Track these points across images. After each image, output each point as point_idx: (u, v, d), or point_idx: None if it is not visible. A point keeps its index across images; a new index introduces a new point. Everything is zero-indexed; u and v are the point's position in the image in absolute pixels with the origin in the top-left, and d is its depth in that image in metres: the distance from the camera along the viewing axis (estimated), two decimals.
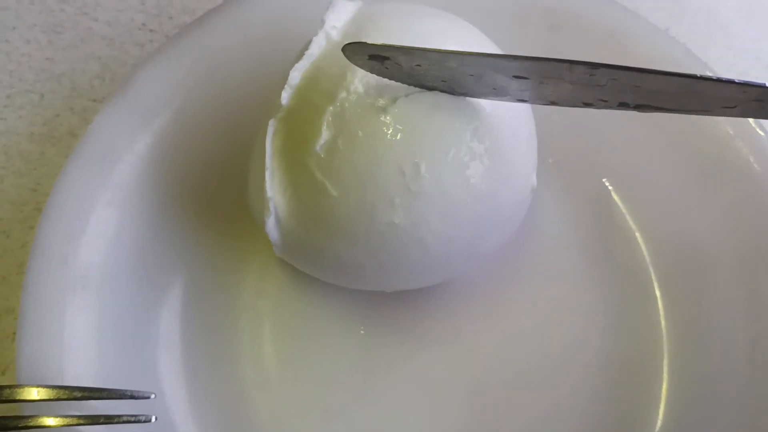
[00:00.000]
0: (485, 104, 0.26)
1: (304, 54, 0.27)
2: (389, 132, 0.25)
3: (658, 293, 0.32)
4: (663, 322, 0.31)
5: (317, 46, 0.27)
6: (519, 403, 0.31)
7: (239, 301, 0.31)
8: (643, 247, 0.32)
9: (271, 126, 0.26)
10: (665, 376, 0.31)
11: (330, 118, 0.25)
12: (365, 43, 0.24)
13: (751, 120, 0.32)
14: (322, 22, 0.27)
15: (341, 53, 0.25)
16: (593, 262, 0.33)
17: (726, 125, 0.32)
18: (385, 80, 0.26)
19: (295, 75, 0.26)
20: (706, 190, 0.32)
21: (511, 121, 0.27)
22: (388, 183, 0.25)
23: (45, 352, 0.27)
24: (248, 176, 0.28)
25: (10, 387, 0.26)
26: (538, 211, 0.33)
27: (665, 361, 0.31)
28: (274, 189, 0.26)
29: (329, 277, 0.29)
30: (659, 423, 0.30)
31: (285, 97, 0.26)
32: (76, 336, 0.28)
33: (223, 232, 0.31)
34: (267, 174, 0.26)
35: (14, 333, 0.31)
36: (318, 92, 0.26)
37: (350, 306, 0.31)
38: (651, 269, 0.32)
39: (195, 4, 0.36)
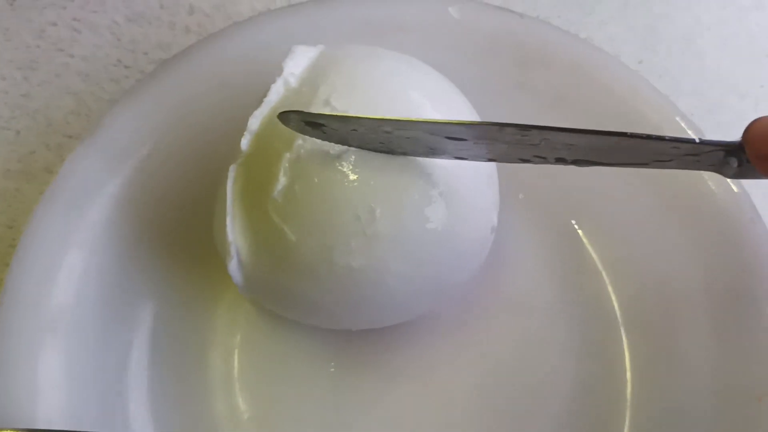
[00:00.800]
0: None
1: (263, 101, 0.27)
2: (344, 178, 0.26)
3: (622, 328, 0.32)
4: (627, 355, 0.32)
5: (276, 93, 0.27)
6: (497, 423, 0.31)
7: (210, 338, 0.32)
8: (608, 282, 0.33)
9: (232, 171, 0.27)
10: (628, 405, 0.31)
11: (287, 165, 0.26)
12: (300, 111, 0.25)
13: None
14: (281, 69, 0.28)
15: (298, 102, 0.26)
16: (560, 296, 0.33)
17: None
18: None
19: (254, 121, 0.27)
20: (673, 226, 0.32)
21: (467, 164, 0.28)
22: (345, 228, 0.26)
23: (17, 395, 0.28)
24: (213, 219, 0.29)
25: None
26: (506, 246, 0.33)
27: (629, 391, 0.31)
28: (235, 233, 0.27)
29: (295, 316, 0.30)
30: None
31: (244, 143, 0.27)
32: (47, 379, 0.28)
33: (194, 271, 0.32)
34: (228, 219, 0.27)
35: None
36: (276, 138, 0.26)
37: (321, 343, 0.32)
38: (616, 305, 0.32)
39: (170, 38, 0.36)
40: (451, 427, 0.31)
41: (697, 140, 0.25)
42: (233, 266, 0.27)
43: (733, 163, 0.25)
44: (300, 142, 0.26)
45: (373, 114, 0.26)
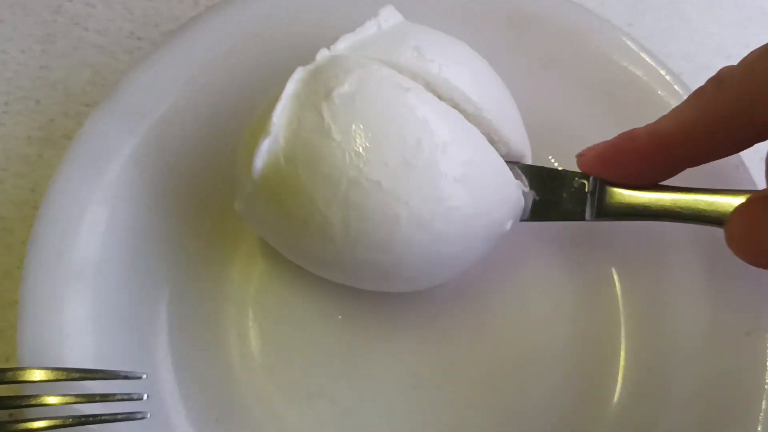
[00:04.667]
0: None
1: (355, 30, 0.30)
2: (404, 109, 0.27)
3: (615, 277, 0.34)
4: (620, 300, 0.33)
5: (368, 29, 0.30)
6: (490, 382, 0.33)
7: (225, 290, 0.33)
8: (601, 230, 0.34)
9: (298, 72, 0.29)
10: (623, 353, 0.33)
11: (356, 78, 0.27)
12: None
13: None
14: (377, 13, 0.30)
15: (389, 43, 0.29)
16: (557, 250, 0.35)
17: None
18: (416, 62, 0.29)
19: (343, 40, 0.29)
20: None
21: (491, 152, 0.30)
22: (389, 147, 0.27)
23: (45, 339, 0.29)
24: (252, 119, 0.30)
25: (13, 369, 0.28)
26: None
27: (622, 334, 0.33)
28: (281, 118, 0.28)
29: (289, 238, 0.30)
30: (616, 397, 0.32)
31: (321, 54, 0.29)
32: (73, 324, 0.30)
33: (210, 227, 0.33)
34: (279, 104, 0.28)
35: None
36: (350, 59, 0.28)
37: (329, 295, 0.33)
38: (608, 251, 0.34)
39: (180, 12, 0.38)
40: (450, 371, 0.33)
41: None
42: (264, 146, 0.28)
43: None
44: (376, 67, 0.28)
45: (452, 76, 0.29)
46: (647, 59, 0.35)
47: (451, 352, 0.33)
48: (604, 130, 0.35)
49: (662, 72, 0.34)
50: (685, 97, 0.33)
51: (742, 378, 0.30)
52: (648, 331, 0.33)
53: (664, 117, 0.29)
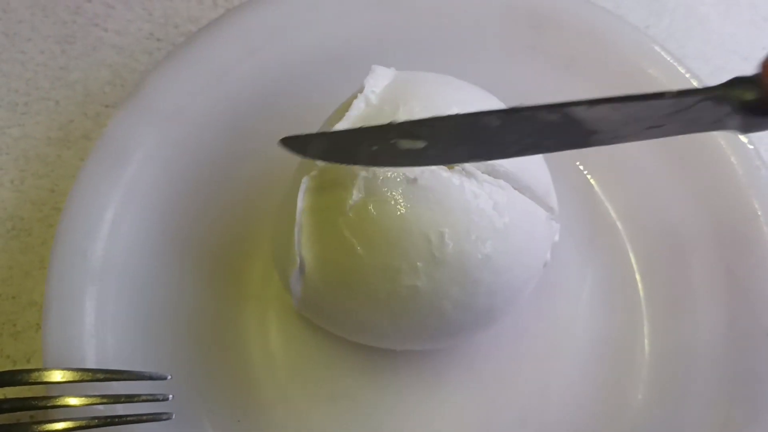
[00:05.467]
0: (504, 185, 0.28)
1: (344, 115, 0.28)
2: (418, 201, 0.27)
3: (638, 276, 0.34)
4: (643, 303, 0.33)
5: (357, 109, 0.28)
6: (512, 380, 0.33)
7: (246, 291, 0.33)
8: (622, 232, 0.34)
9: (305, 183, 0.28)
10: (646, 352, 0.33)
11: (362, 183, 0.27)
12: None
13: None
14: (362, 86, 0.29)
15: (378, 118, 0.28)
16: (578, 248, 0.35)
17: None
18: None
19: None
20: (683, 176, 0.34)
21: (527, 204, 0.29)
22: (414, 248, 0.26)
23: (68, 339, 0.29)
24: (275, 229, 0.30)
25: (38, 370, 0.28)
26: None
27: (646, 340, 0.33)
28: (302, 244, 0.28)
29: (346, 334, 0.31)
30: (639, 396, 0.32)
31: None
32: (96, 324, 0.30)
33: (230, 226, 0.33)
34: (296, 229, 0.27)
35: (38, 324, 0.33)
36: None
37: None
38: (631, 253, 0.34)
39: (199, 12, 0.38)
40: (474, 368, 0.33)
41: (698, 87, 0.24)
42: (295, 277, 0.28)
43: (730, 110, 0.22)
44: None
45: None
46: (668, 60, 0.35)
47: (474, 354, 0.33)
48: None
49: (684, 71, 0.34)
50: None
51: (763, 376, 0.30)
52: (670, 331, 0.33)
53: None
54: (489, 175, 0.28)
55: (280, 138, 0.26)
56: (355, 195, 0.27)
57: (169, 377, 0.29)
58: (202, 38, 0.34)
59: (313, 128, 0.30)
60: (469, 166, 0.27)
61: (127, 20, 0.38)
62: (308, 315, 0.31)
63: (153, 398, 0.28)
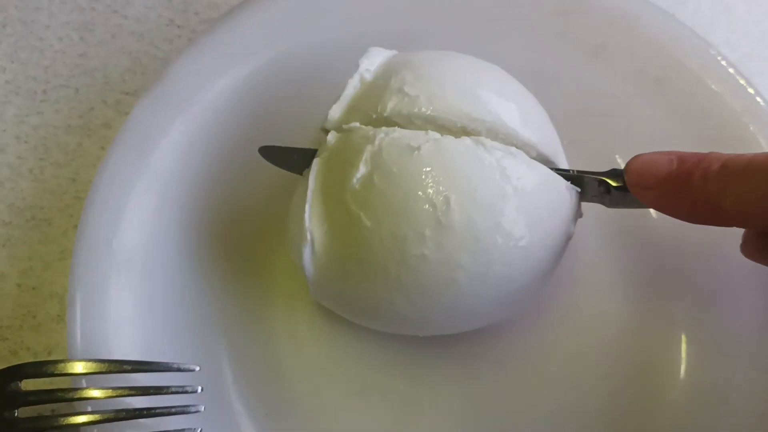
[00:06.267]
0: (515, 152, 0.27)
1: (340, 95, 0.29)
2: (421, 168, 0.26)
3: (673, 264, 0.33)
4: (679, 292, 0.32)
5: (351, 88, 0.29)
6: (545, 377, 0.32)
7: (275, 283, 0.32)
8: (656, 219, 0.34)
9: (315, 164, 0.28)
10: (683, 353, 0.32)
11: (368, 156, 0.27)
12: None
13: (758, 98, 0.33)
14: (357, 65, 0.29)
15: (370, 94, 0.28)
16: (609, 240, 0.34)
17: (733, 102, 0.34)
18: (419, 127, 0.27)
19: (334, 110, 0.28)
20: None
21: (543, 172, 0.28)
22: (419, 215, 0.26)
23: (93, 331, 0.29)
24: (291, 213, 0.29)
25: (62, 361, 0.27)
26: None
27: (683, 334, 0.32)
28: (312, 221, 0.27)
29: (363, 319, 0.30)
30: (675, 395, 0.31)
31: (330, 138, 0.28)
32: (121, 315, 0.29)
33: (256, 216, 0.33)
34: (307, 207, 0.27)
35: (59, 315, 0.32)
36: (356, 133, 0.27)
37: None
38: (666, 240, 0.33)
39: None
40: (503, 360, 0.32)
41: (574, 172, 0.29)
42: (307, 253, 0.28)
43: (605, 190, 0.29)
44: (382, 135, 0.27)
45: (443, 102, 0.27)
46: (701, 44, 0.34)
47: (503, 345, 0.32)
48: (654, 118, 0.35)
49: (716, 55, 0.34)
50: (739, 80, 0.33)
51: None
52: (708, 323, 0.32)
53: (731, 178, 0.26)
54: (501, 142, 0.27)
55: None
56: (362, 168, 0.27)
57: (198, 368, 0.28)
58: (225, 24, 0.33)
59: None
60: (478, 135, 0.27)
61: (146, 7, 0.37)
62: (323, 301, 0.30)
63: (182, 390, 0.27)
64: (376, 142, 0.27)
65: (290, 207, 0.30)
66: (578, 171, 0.29)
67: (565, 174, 0.29)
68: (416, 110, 0.27)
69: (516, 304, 0.30)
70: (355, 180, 0.27)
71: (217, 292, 0.31)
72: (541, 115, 0.30)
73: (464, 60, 0.30)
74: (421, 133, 0.27)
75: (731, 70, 0.33)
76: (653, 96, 0.35)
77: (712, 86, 0.34)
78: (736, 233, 0.32)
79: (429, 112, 0.27)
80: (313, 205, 0.27)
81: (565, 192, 0.29)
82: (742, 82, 0.33)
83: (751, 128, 0.33)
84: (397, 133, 0.27)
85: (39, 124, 0.35)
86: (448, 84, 0.28)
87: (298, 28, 0.34)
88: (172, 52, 0.36)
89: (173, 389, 0.27)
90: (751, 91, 0.33)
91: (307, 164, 0.29)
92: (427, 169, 0.26)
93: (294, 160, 0.30)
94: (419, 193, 0.26)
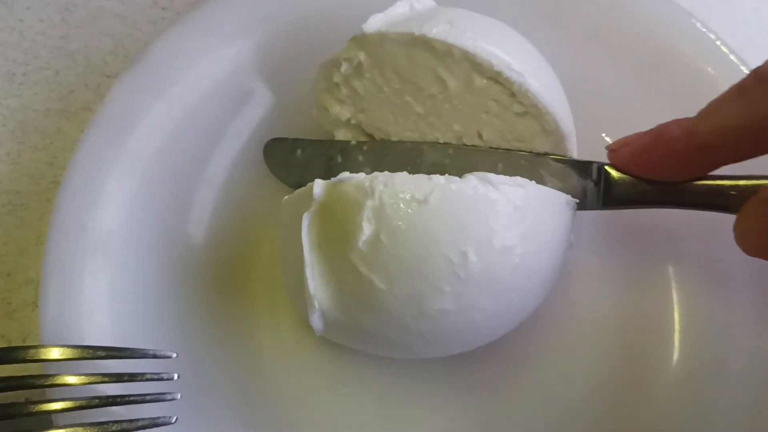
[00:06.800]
0: (521, 182, 0.27)
1: (386, 11, 0.28)
2: (432, 222, 0.25)
3: (667, 256, 0.32)
4: (673, 284, 0.32)
5: (400, 8, 0.28)
6: (533, 360, 0.31)
7: (255, 272, 0.32)
8: (650, 211, 0.32)
9: (306, 220, 0.26)
10: (677, 330, 0.31)
11: (370, 213, 0.25)
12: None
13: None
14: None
15: (421, 19, 0.28)
16: (603, 222, 0.33)
17: (724, 82, 0.33)
18: (454, 63, 0.27)
19: (376, 19, 0.28)
20: None
21: (548, 195, 0.28)
22: (437, 272, 0.25)
23: (66, 316, 0.28)
24: (282, 261, 0.28)
25: (35, 347, 0.26)
26: None
27: (676, 318, 0.31)
28: (315, 284, 0.26)
29: (374, 352, 0.29)
30: (671, 373, 0.30)
31: (318, 191, 0.26)
32: (95, 300, 0.28)
33: (237, 199, 0.32)
34: (307, 270, 0.26)
35: (34, 302, 0.31)
36: (353, 186, 0.26)
37: None
38: (659, 232, 0.32)
39: None
40: (491, 355, 0.31)
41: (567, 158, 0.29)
42: (315, 318, 0.26)
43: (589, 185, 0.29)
44: (381, 187, 0.25)
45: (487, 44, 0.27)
46: (698, 27, 0.33)
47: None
48: (650, 104, 0.34)
49: (714, 38, 0.33)
50: (738, 65, 0.33)
51: None
52: (701, 314, 0.31)
53: (702, 116, 0.27)
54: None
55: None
56: (366, 228, 0.25)
57: (175, 356, 0.27)
58: (208, 5, 0.33)
59: None
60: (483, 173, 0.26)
61: None
62: (335, 341, 0.29)
63: (158, 377, 0.26)
64: (376, 196, 0.25)
65: (280, 248, 0.29)
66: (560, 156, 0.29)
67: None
68: (460, 42, 0.27)
69: (524, 316, 0.29)
70: (360, 242, 0.25)
71: (196, 278, 0.30)
72: (561, 91, 0.30)
73: (505, 25, 0.30)
74: (424, 178, 0.25)
75: (733, 57, 0.33)
76: (649, 82, 0.34)
77: (710, 71, 0.33)
78: (730, 221, 0.31)
79: (472, 49, 0.27)
80: (313, 266, 0.26)
81: (567, 207, 0.28)
82: (742, 68, 0.32)
83: None
84: (398, 180, 0.25)
85: (17, 107, 0.34)
86: (495, 33, 0.28)
87: (283, 8, 0.33)
88: (156, 35, 0.35)
89: (148, 376, 0.26)
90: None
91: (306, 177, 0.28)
92: (439, 221, 0.25)
93: (297, 156, 0.30)
94: (434, 249, 0.25)
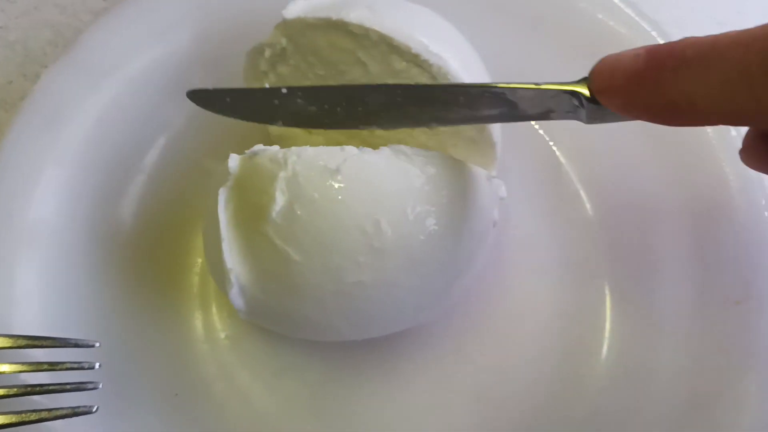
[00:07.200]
0: (437, 154, 0.27)
1: None
2: (346, 192, 0.25)
3: (602, 247, 0.32)
4: (607, 275, 0.31)
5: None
6: (469, 359, 0.31)
7: (187, 260, 0.31)
8: (587, 203, 0.33)
9: (222, 195, 0.26)
10: (608, 326, 0.31)
11: (283, 184, 0.25)
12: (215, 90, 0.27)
13: None
14: None
15: (341, 3, 0.27)
16: (542, 217, 0.33)
17: None
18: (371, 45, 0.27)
19: (296, 5, 0.27)
20: (652, 143, 0.32)
21: (464, 169, 0.27)
22: (352, 243, 0.25)
23: None
24: (205, 240, 0.28)
25: None
26: None
27: (609, 312, 0.31)
28: (233, 260, 0.26)
29: (299, 335, 0.29)
30: (602, 371, 0.30)
31: (233, 164, 0.26)
32: (24, 290, 0.28)
33: (170, 190, 0.32)
34: (224, 245, 0.25)
35: None
36: (267, 158, 0.26)
37: None
38: (596, 224, 0.32)
39: None
40: (428, 351, 0.31)
41: (540, 84, 0.25)
42: (234, 293, 0.26)
43: (578, 103, 0.24)
44: (294, 158, 0.25)
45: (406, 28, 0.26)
46: (636, 19, 0.33)
47: (429, 328, 0.31)
48: None
49: (649, 28, 0.33)
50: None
51: (732, 349, 0.29)
52: (634, 304, 0.31)
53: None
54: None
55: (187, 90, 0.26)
56: (279, 199, 0.25)
57: (98, 345, 0.27)
58: None
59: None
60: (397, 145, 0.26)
61: None
62: (257, 323, 0.29)
63: (78, 366, 0.26)
64: (289, 166, 0.25)
65: (205, 232, 0.28)
66: (545, 83, 0.25)
67: (532, 87, 0.25)
68: (377, 26, 0.26)
69: (450, 297, 0.29)
70: (274, 213, 0.25)
71: (127, 268, 0.30)
72: (484, 71, 0.30)
73: (429, 10, 0.29)
74: (337, 149, 0.25)
75: (661, 40, 0.32)
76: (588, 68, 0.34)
77: None
78: (668, 214, 0.31)
79: (389, 32, 0.26)
80: (230, 242, 0.26)
81: (486, 183, 0.28)
82: None
83: None
84: (311, 152, 0.25)
85: None
86: (415, 17, 0.28)
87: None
88: (93, 20, 0.35)
89: (68, 365, 0.26)
90: None
91: (242, 108, 0.27)
92: (353, 191, 0.25)
93: (226, 102, 0.27)
94: (347, 219, 0.25)
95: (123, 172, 0.31)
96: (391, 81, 0.28)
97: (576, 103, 0.25)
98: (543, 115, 0.26)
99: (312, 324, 0.27)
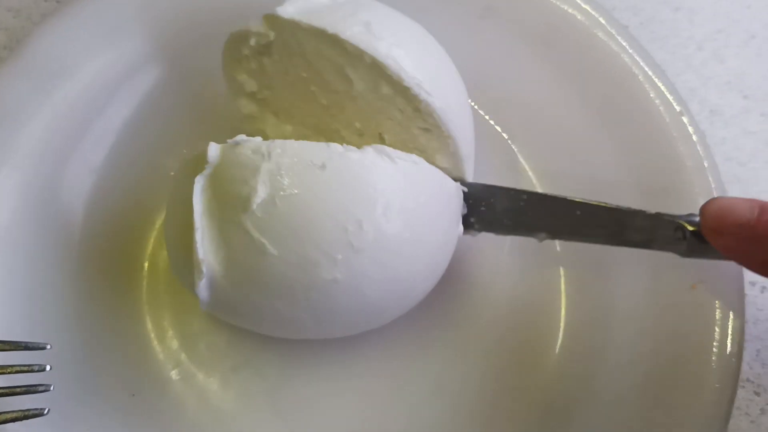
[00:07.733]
0: (416, 159, 0.27)
1: None
2: (330, 189, 0.25)
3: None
4: (560, 261, 0.32)
5: None
6: (428, 341, 0.31)
7: (139, 260, 0.31)
8: (536, 184, 0.33)
9: (199, 182, 0.25)
10: (563, 312, 0.31)
11: (266, 176, 0.25)
12: None
13: (650, 56, 0.32)
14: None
15: (333, 14, 0.27)
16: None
17: (624, 59, 0.32)
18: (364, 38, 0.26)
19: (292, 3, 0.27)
20: (609, 132, 0.32)
21: (439, 177, 0.28)
22: (331, 240, 0.25)
23: None
24: (168, 232, 0.28)
25: None
26: None
27: (563, 300, 0.31)
28: (205, 250, 0.25)
29: (262, 330, 0.29)
30: (557, 349, 0.30)
31: (213, 154, 0.26)
32: None
33: (123, 191, 0.32)
34: (197, 235, 0.25)
35: None
36: (249, 149, 0.25)
37: None
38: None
39: None
40: (383, 339, 0.31)
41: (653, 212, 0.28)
42: (202, 285, 0.25)
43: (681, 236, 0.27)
44: (279, 151, 0.25)
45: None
46: (586, 6, 0.33)
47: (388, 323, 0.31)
48: (543, 81, 0.33)
49: (601, 19, 0.33)
50: (625, 45, 0.32)
51: (685, 331, 0.29)
52: (589, 290, 0.31)
53: None
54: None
55: None
56: (261, 190, 0.24)
57: (49, 347, 0.27)
58: None
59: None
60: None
61: None
62: (217, 315, 0.29)
63: (29, 369, 0.26)
64: (273, 159, 0.25)
65: (168, 224, 0.28)
66: (655, 213, 0.28)
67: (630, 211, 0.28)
68: (372, 49, 0.26)
69: (415, 299, 0.29)
70: (254, 205, 0.24)
71: (79, 268, 0.30)
72: (467, 109, 0.30)
73: (425, 31, 0.30)
74: (323, 146, 0.25)
75: (614, 31, 0.32)
76: (543, 58, 0.34)
77: (601, 37, 0.32)
78: (621, 198, 0.31)
79: (383, 59, 0.26)
80: (203, 231, 0.25)
81: (455, 193, 0.29)
82: (624, 43, 0.32)
83: (645, 86, 0.32)
84: (296, 146, 0.25)
85: None
86: (412, 43, 0.28)
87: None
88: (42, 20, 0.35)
89: (18, 368, 0.26)
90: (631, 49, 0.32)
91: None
92: (336, 188, 0.25)
93: None
94: (329, 216, 0.25)
95: (73, 172, 0.31)
96: (375, 102, 0.28)
97: (679, 236, 0.27)
98: (645, 243, 0.28)
99: (278, 319, 0.27)
